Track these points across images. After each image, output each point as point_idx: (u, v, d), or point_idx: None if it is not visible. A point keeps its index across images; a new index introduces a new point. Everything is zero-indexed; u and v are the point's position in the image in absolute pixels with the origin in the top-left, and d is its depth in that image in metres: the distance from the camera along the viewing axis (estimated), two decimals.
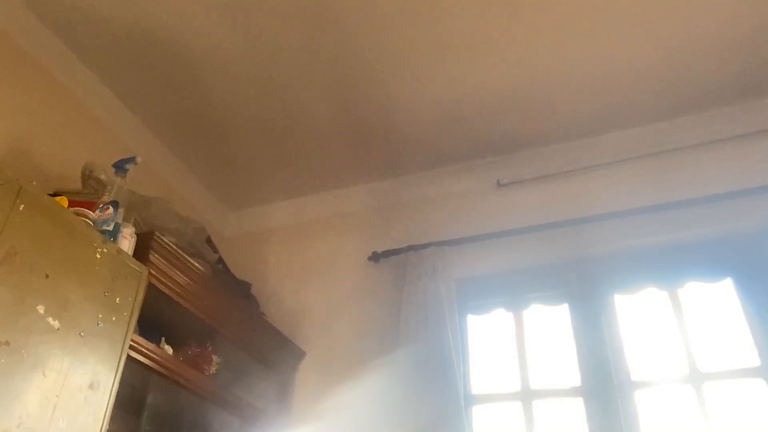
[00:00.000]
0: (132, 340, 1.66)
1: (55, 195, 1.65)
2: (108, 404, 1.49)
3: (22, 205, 1.36)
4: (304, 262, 2.91)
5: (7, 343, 1.25)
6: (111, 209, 1.70)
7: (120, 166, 1.90)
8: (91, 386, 1.44)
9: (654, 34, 2.15)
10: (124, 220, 1.82)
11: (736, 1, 2.03)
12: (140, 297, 1.69)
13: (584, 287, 2.40)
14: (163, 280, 1.90)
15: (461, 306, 2.49)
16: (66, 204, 1.58)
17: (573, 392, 2.22)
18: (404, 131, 2.61)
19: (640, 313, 2.31)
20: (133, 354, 1.70)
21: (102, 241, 1.59)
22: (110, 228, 1.69)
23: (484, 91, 2.40)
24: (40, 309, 1.35)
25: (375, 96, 2.43)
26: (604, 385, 2.16)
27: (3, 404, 1.21)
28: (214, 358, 2.16)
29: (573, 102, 2.45)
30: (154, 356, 1.82)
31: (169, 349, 1.97)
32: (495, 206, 2.69)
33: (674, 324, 2.23)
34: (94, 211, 1.64)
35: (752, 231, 2.26)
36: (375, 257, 2.70)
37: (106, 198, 1.78)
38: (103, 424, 1.46)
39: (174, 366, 1.91)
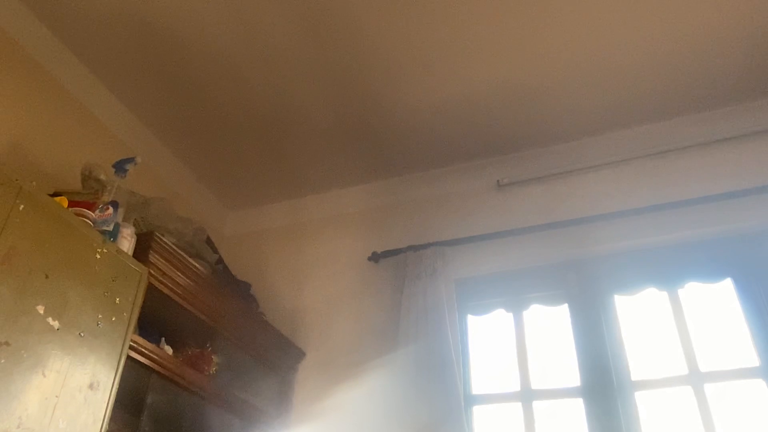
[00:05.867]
0: (132, 341, 1.66)
1: (55, 195, 1.65)
2: (108, 404, 1.49)
3: (22, 205, 1.36)
4: (303, 262, 2.91)
5: (7, 343, 1.24)
6: (111, 209, 1.70)
7: (120, 166, 1.89)
8: (91, 386, 1.44)
9: (654, 34, 2.15)
10: (124, 220, 1.82)
11: (737, 1, 2.03)
12: (140, 297, 1.69)
13: (584, 287, 2.40)
14: (163, 280, 1.90)
15: (461, 306, 2.49)
16: (66, 204, 1.58)
17: (573, 392, 2.22)
18: (404, 131, 2.61)
19: (640, 313, 2.31)
20: (133, 354, 1.70)
21: (102, 241, 1.59)
22: (110, 228, 1.69)
23: (484, 91, 2.40)
24: (40, 309, 1.35)
25: (375, 96, 2.43)
26: (604, 386, 2.16)
27: (3, 404, 1.21)
28: (214, 358, 2.16)
29: (573, 101, 2.45)
30: (154, 356, 1.82)
31: (169, 350, 1.97)
32: (495, 206, 2.69)
33: (674, 324, 2.23)
34: (93, 211, 1.64)
35: (752, 231, 2.26)
36: (375, 257, 2.70)
37: (106, 198, 1.78)
38: (103, 424, 1.46)
39: (174, 366, 1.91)
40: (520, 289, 2.50)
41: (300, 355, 2.60)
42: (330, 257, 2.87)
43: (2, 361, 1.23)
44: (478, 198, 2.75)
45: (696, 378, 2.10)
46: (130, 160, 1.91)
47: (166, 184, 2.80)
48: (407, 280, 2.48)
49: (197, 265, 2.06)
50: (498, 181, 2.71)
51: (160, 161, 2.77)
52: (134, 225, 1.88)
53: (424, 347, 2.24)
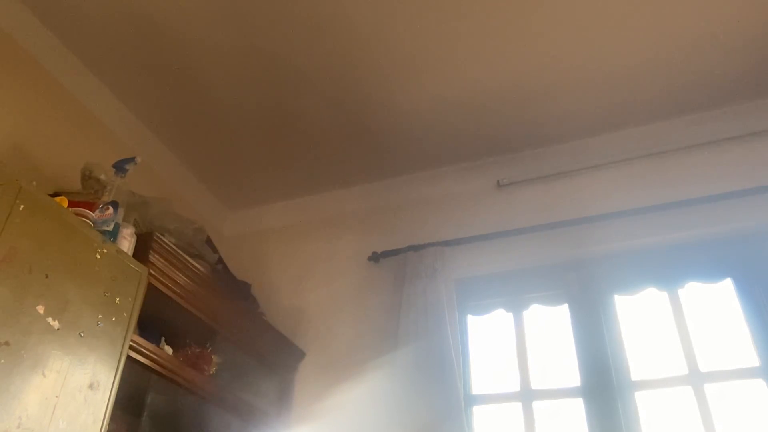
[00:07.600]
0: (132, 341, 1.66)
1: (55, 195, 1.65)
2: (108, 404, 1.49)
3: (22, 205, 1.36)
4: (303, 262, 2.91)
5: (7, 343, 1.24)
6: (111, 209, 1.69)
7: (120, 166, 1.89)
8: (91, 386, 1.44)
9: (654, 34, 2.15)
10: (124, 220, 1.82)
11: (737, 1, 2.03)
12: (140, 297, 1.68)
13: (584, 287, 2.40)
14: (163, 280, 1.90)
15: (461, 306, 2.49)
16: (66, 204, 1.58)
17: (573, 393, 2.22)
18: (404, 131, 2.61)
19: (640, 313, 2.31)
20: (133, 354, 1.70)
21: (102, 241, 1.59)
22: (110, 228, 1.69)
23: (484, 91, 2.40)
24: (40, 309, 1.35)
25: (375, 96, 2.43)
26: (604, 386, 2.16)
27: (3, 404, 1.21)
28: (214, 358, 2.16)
29: (573, 102, 2.45)
30: (153, 356, 1.82)
31: (169, 350, 1.97)
32: (495, 206, 2.69)
33: (674, 324, 2.23)
34: (93, 212, 1.64)
35: (752, 231, 2.26)
36: (375, 257, 2.70)
37: (106, 198, 1.78)
38: (103, 424, 1.45)
39: (174, 366, 1.91)
40: (520, 289, 2.50)
41: (300, 355, 2.60)
42: (330, 257, 2.87)
43: (2, 361, 1.23)
44: (478, 198, 2.74)
45: (696, 378, 2.10)
46: (130, 160, 1.91)
47: (166, 184, 2.80)
48: (407, 280, 2.47)
49: (197, 265, 2.06)
50: (498, 181, 2.71)
51: (160, 161, 2.76)
52: (134, 225, 1.88)
53: (424, 347, 2.24)
